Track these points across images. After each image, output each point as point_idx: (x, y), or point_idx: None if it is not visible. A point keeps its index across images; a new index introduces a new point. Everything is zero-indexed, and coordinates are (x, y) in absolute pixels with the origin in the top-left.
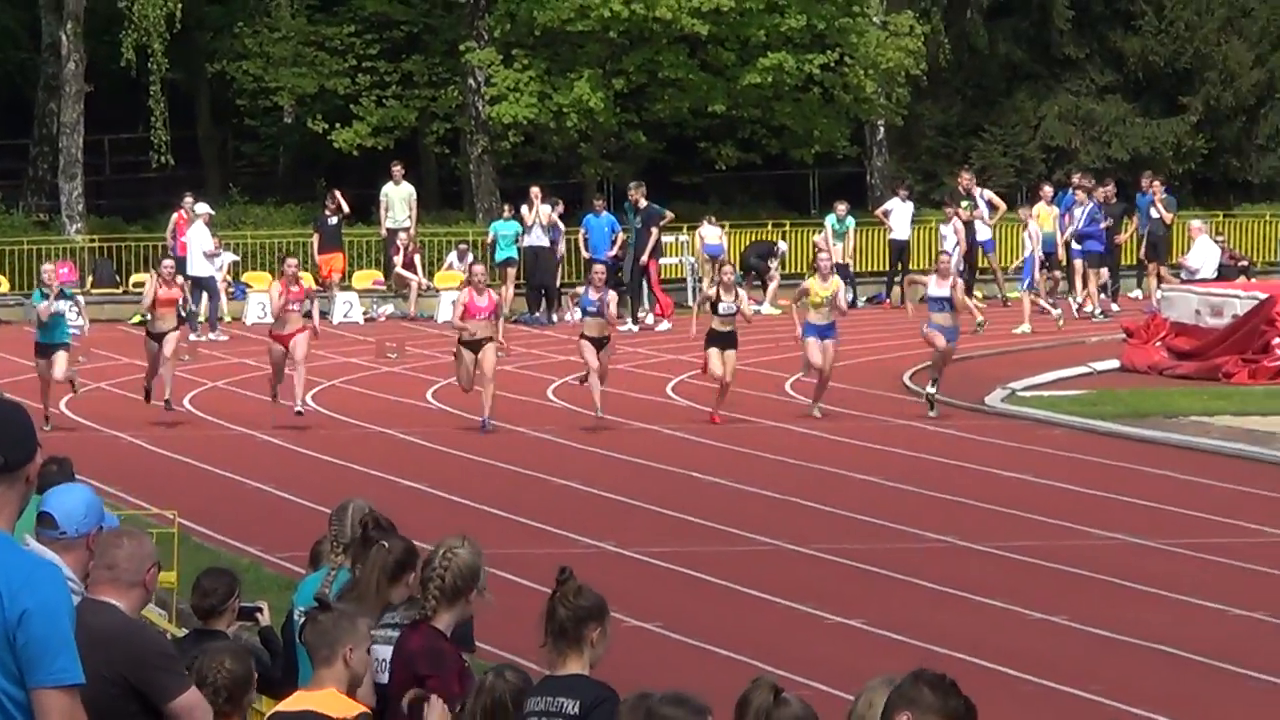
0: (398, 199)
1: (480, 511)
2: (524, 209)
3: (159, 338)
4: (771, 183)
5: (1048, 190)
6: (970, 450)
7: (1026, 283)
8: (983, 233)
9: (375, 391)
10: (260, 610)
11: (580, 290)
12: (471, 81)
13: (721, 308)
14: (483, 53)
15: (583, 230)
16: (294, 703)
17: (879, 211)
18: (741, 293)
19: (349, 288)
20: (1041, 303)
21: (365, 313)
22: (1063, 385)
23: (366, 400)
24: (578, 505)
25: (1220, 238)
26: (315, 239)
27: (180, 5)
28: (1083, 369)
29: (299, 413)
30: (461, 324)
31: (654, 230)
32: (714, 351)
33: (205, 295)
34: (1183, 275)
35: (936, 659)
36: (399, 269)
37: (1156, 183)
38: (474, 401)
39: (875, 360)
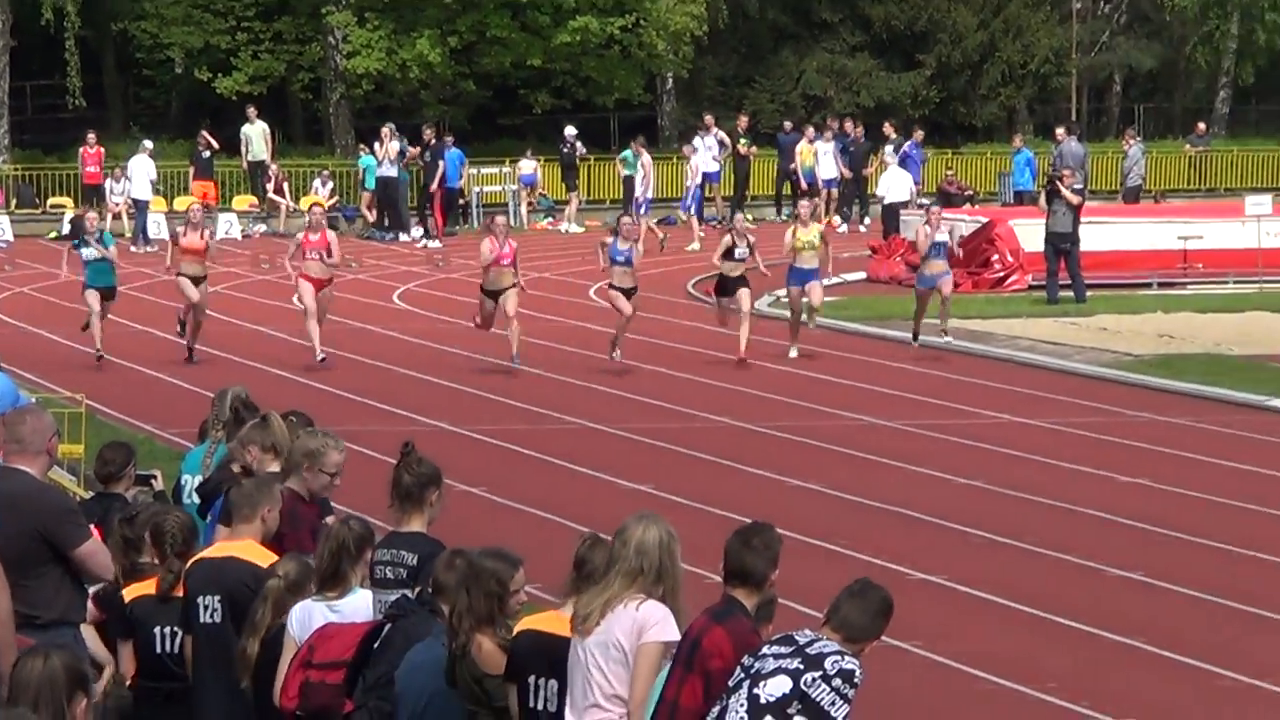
0: (255, 135)
1: (334, 395)
2: (376, 145)
3: (193, 280)
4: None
5: (811, 131)
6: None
7: (688, 206)
8: (709, 165)
9: (251, 296)
10: (154, 477)
11: (609, 240)
12: (331, 39)
13: (737, 253)
14: (340, 15)
15: (441, 163)
16: (217, 550)
17: (687, 148)
18: (751, 238)
19: (229, 209)
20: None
21: (243, 230)
22: (834, 290)
23: (244, 304)
24: (418, 390)
25: (950, 171)
26: (191, 170)
27: None
28: (835, 279)
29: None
30: (486, 272)
31: (441, 163)
32: (725, 299)
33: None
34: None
35: (712, 518)
36: (271, 194)
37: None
38: (341, 310)
39: (665, 273)
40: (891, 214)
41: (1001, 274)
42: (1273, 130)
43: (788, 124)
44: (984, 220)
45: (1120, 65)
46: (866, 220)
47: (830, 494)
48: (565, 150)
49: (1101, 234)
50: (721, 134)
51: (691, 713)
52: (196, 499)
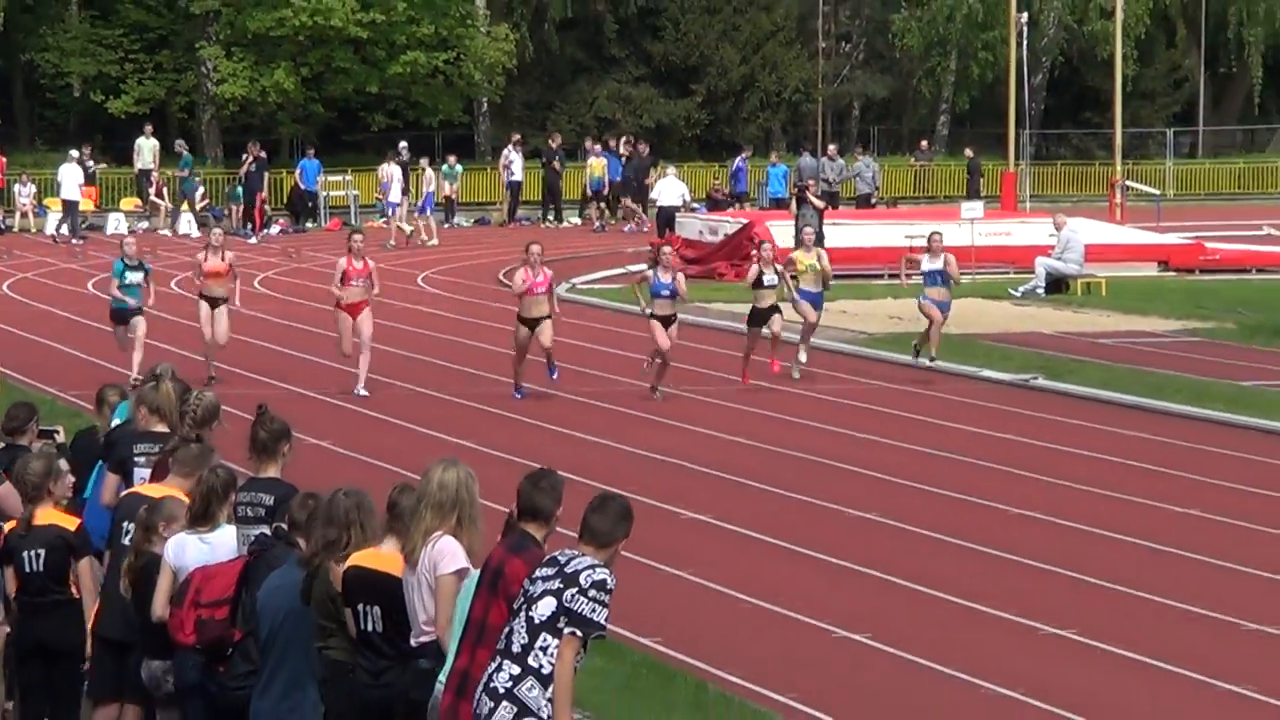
0: (146, 148)
1: (200, 362)
2: (244, 157)
3: (211, 302)
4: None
5: (597, 148)
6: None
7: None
8: (517, 175)
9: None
10: (56, 432)
11: (649, 272)
12: (203, 69)
13: (766, 280)
14: (211, 49)
15: (298, 170)
16: (148, 490)
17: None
18: (779, 267)
19: (116, 209)
20: (404, 226)
21: (129, 227)
22: (607, 281)
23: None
24: (273, 359)
25: (716, 180)
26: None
27: (3, 14)
28: (620, 270)
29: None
30: (520, 300)
31: (265, 174)
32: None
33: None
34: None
35: (515, 466)
36: (152, 198)
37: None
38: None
39: (474, 265)
40: (665, 216)
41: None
42: (984, 150)
43: (589, 142)
44: (745, 221)
45: (858, 94)
46: (647, 224)
47: (601, 442)
48: (398, 161)
49: (842, 233)
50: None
51: (496, 629)
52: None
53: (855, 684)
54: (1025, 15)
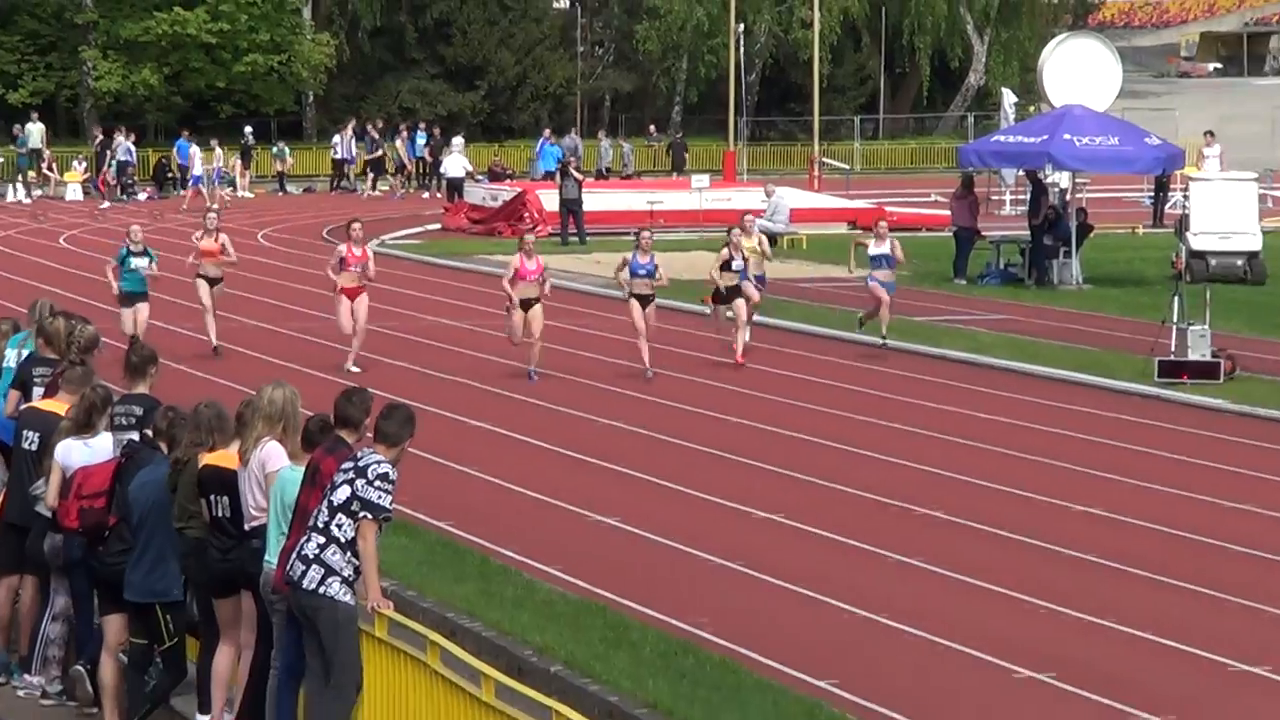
0: (35, 131)
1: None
2: (118, 137)
3: (209, 281)
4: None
5: (405, 132)
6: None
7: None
8: (348, 154)
9: (28, 236)
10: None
11: (628, 255)
12: (85, 68)
13: (734, 265)
14: (91, 52)
15: (175, 149)
16: (44, 405)
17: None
18: (747, 254)
19: (12, 181)
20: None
21: (28, 195)
22: (411, 238)
23: (24, 243)
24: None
25: (497, 157)
26: None
27: None
28: (419, 229)
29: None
30: (511, 289)
31: (110, 153)
32: (722, 308)
33: None
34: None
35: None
36: (44, 170)
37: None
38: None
39: (303, 224)
40: (453, 185)
41: (531, 226)
42: (710, 133)
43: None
44: (520, 190)
45: (609, 88)
46: (440, 191)
47: (475, 387)
48: (243, 143)
49: (598, 199)
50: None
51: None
52: (12, 365)
53: (602, 555)
54: (742, 25)
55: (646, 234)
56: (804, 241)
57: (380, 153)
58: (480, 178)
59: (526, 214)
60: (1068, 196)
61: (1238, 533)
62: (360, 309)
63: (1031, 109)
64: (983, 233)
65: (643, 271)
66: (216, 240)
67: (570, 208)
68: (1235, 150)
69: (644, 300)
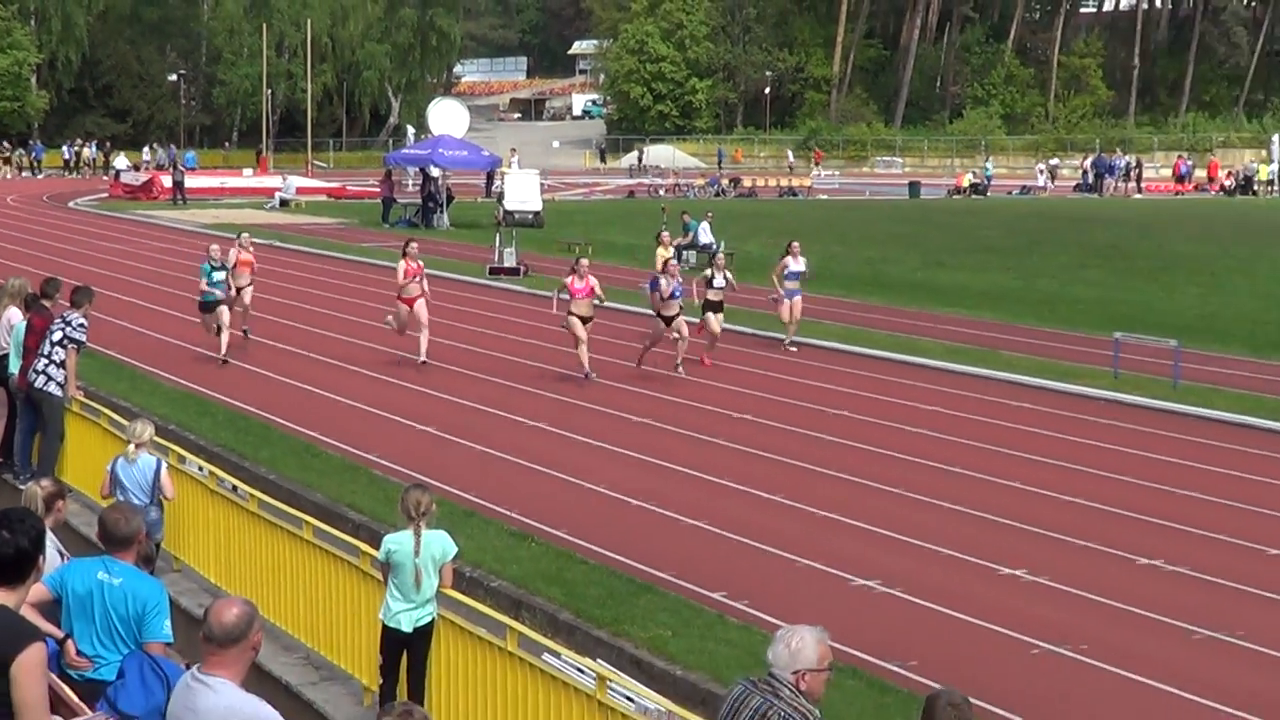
0: None
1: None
2: None
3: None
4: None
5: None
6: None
7: None
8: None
9: None
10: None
11: (663, 280)
12: None
13: (715, 283)
14: None
15: None
16: None
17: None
18: (729, 275)
19: None
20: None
21: None
22: (94, 201)
23: None
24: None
25: (144, 161)
26: None
27: None
28: (97, 195)
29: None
30: (567, 302)
31: None
32: (709, 316)
33: None
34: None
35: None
36: None
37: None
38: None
39: (34, 193)
40: (119, 172)
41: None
42: (251, 147)
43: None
44: (150, 177)
45: (198, 123)
46: (109, 176)
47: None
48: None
49: (195, 180)
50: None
51: (34, 350)
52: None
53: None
54: (270, 90)
55: (675, 264)
56: (303, 204)
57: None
58: (129, 168)
59: (157, 190)
60: (440, 182)
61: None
62: (421, 313)
63: (424, 135)
64: (397, 199)
65: (679, 294)
66: (250, 253)
67: (177, 181)
68: (527, 158)
69: (669, 320)
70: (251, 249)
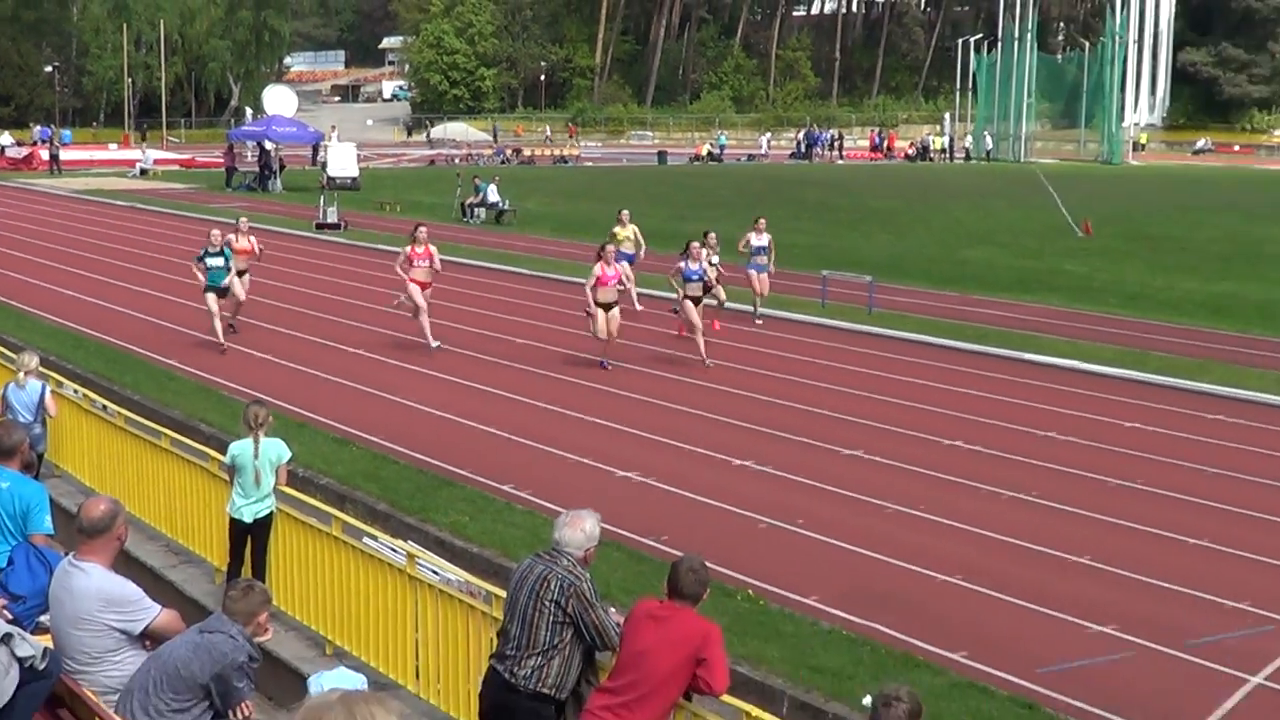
0: None
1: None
2: None
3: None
4: None
5: None
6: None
7: None
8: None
9: None
10: None
11: (680, 263)
12: None
13: (695, 274)
14: None
15: None
16: None
17: None
18: (708, 265)
19: None
20: None
21: None
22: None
23: None
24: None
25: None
26: None
27: None
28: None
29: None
30: (591, 294)
31: None
32: (689, 304)
33: None
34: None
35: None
36: None
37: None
38: None
39: None
40: (2, 148)
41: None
42: (117, 126)
43: None
44: (30, 151)
45: (70, 106)
46: None
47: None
48: None
49: (76, 154)
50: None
51: None
52: None
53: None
54: (131, 80)
55: (696, 244)
56: (160, 173)
57: None
58: (14, 144)
59: (36, 163)
60: (273, 153)
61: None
62: (427, 299)
63: (260, 115)
64: (238, 168)
65: (695, 277)
66: (249, 242)
67: (54, 154)
68: (346, 133)
69: (695, 300)
70: (251, 236)
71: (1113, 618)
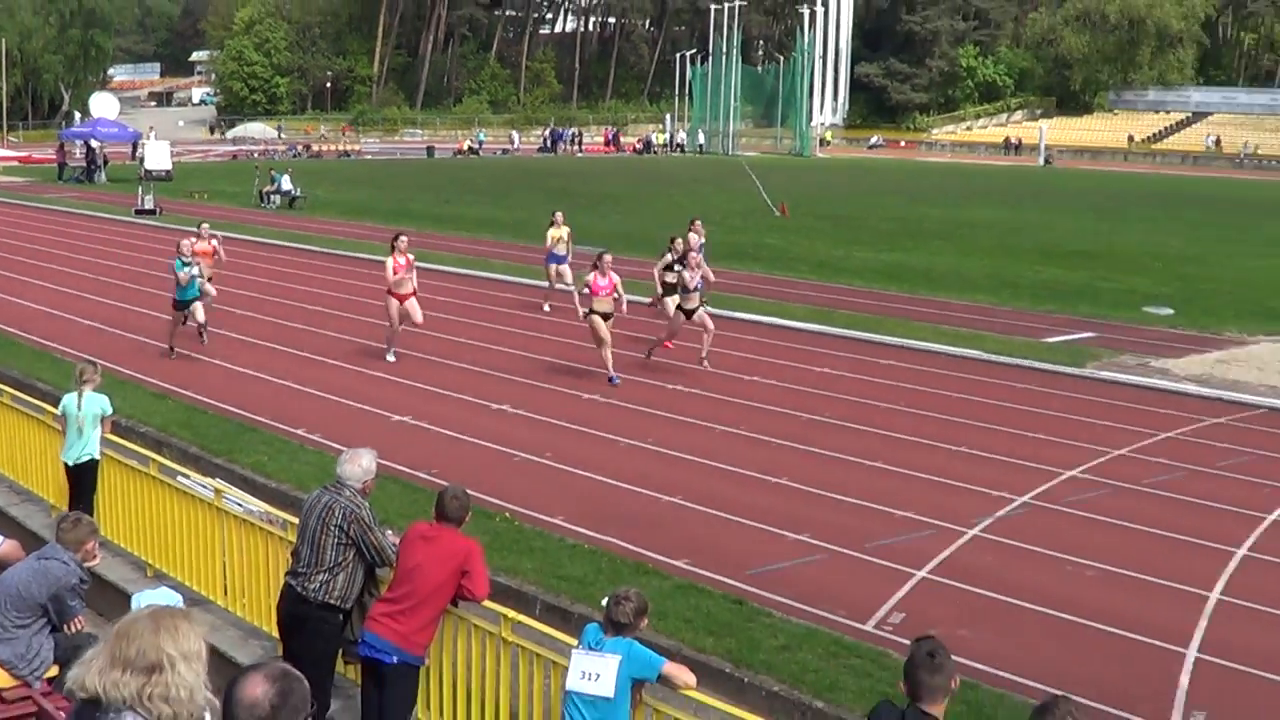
0: None
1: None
2: None
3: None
4: None
5: None
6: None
7: None
8: None
9: None
10: None
11: (683, 274)
12: None
13: (692, 285)
14: None
15: None
16: None
17: None
18: (699, 275)
19: None
20: None
21: None
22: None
23: None
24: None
25: None
26: None
27: None
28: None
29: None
30: (588, 302)
31: None
32: (679, 314)
33: None
34: None
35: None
36: None
37: None
38: None
39: None
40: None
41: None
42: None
43: None
44: None
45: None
46: None
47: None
48: None
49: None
50: None
51: None
52: None
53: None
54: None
55: (696, 255)
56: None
57: None
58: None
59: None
60: (98, 150)
61: None
62: (414, 311)
63: (87, 118)
64: (68, 163)
65: (694, 286)
66: (210, 244)
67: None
68: (161, 133)
69: (689, 314)
70: (212, 238)
71: (807, 527)
